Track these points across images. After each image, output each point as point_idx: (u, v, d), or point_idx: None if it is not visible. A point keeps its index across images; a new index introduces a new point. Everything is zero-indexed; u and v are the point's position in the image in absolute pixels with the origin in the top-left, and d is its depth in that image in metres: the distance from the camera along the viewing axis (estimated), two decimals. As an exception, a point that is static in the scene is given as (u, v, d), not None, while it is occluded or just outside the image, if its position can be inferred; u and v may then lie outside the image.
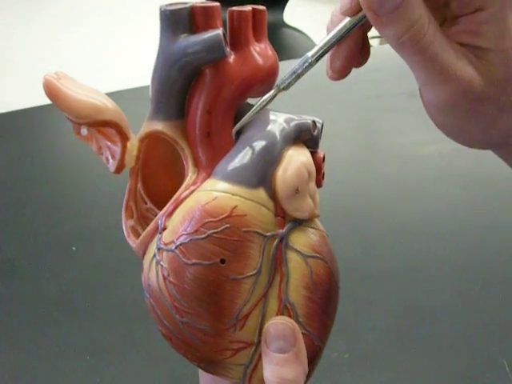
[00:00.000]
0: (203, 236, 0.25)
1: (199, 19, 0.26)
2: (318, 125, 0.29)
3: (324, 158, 0.30)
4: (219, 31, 0.26)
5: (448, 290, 0.56)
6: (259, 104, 0.28)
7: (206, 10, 0.26)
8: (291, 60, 1.15)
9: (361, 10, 0.26)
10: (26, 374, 0.48)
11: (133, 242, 0.29)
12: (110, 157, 0.29)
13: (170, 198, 0.28)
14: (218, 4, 0.26)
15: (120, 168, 0.29)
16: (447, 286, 0.56)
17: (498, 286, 0.56)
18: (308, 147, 0.29)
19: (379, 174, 0.74)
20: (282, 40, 1.66)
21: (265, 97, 0.28)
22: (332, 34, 0.27)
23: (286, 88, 0.28)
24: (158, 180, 0.30)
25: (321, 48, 0.27)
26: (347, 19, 0.26)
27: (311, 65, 0.28)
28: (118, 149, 0.28)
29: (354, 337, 0.51)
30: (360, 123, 0.85)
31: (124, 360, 0.49)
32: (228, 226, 0.25)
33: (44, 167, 0.76)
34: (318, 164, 0.29)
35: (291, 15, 1.72)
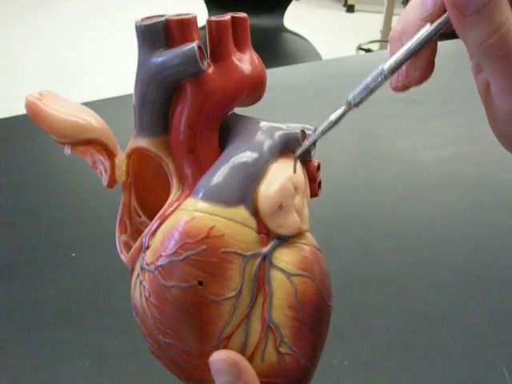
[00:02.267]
0: (181, 258, 0.25)
1: (175, 32, 0.25)
2: (309, 132, 0.27)
3: (319, 166, 0.29)
4: (194, 44, 0.25)
5: (447, 296, 0.56)
6: (327, 124, 0.26)
7: (181, 23, 0.25)
8: (291, 65, 1.15)
9: (443, 14, 0.24)
10: (25, 381, 0.48)
11: (125, 258, 0.29)
12: (103, 171, 0.29)
13: None
14: (194, 15, 0.26)
15: (112, 183, 0.29)
16: (446, 292, 0.56)
17: (497, 292, 0.56)
18: (299, 156, 0.27)
19: (378, 179, 0.74)
20: (282, 45, 1.67)
21: (333, 115, 0.26)
22: (410, 43, 0.25)
23: (358, 104, 0.26)
24: (151, 193, 0.30)
25: (398, 59, 0.25)
26: (427, 26, 0.25)
27: (386, 78, 0.26)
28: (108, 163, 0.28)
29: (353, 344, 0.50)
30: (358, 129, 0.85)
31: (124, 366, 0.48)
32: (205, 247, 0.25)
33: (44, 173, 0.76)
34: (312, 173, 0.28)
35: (291, 20, 1.72)
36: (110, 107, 0.84)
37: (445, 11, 0.24)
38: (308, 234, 0.28)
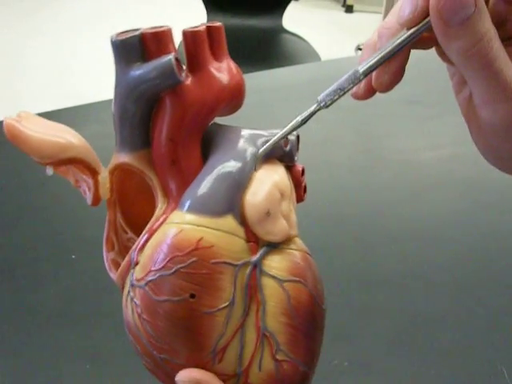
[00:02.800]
0: (171, 271, 0.25)
1: (151, 46, 0.25)
2: (292, 137, 0.27)
3: (303, 171, 0.28)
4: (171, 56, 0.25)
5: (447, 297, 0.56)
6: (295, 122, 0.26)
7: (156, 36, 0.25)
8: (290, 66, 1.15)
9: (422, 20, 0.24)
10: (24, 382, 0.48)
11: (114, 275, 0.29)
12: (86, 189, 0.28)
13: None
14: (169, 28, 0.26)
15: (96, 201, 0.28)
16: (446, 293, 0.56)
17: (497, 292, 0.56)
18: (283, 162, 0.27)
19: (377, 179, 0.74)
20: (281, 45, 1.67)
21: (300, 116, 0.26)
22: (389, 48, 0.25)
23: (329, 105, 0.26)
24: (137, 208, 0.30)
25: (374, 63, 0.25)
26: (404, 32, 0.25)
27: (360, 80, 0.26)
28: (92, 181, 0.28)
29: (353, 344, 0.50)
30: (358, 129, 0.85)
31: (124, 369, 0.48)
32: (195, 259, 0.24)
33: (44, 173, 0.76)
34: (297, 178, 0.28)
35: (290, 20, 1.72)
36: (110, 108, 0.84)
37: (423, 19, 0.24)
38: (297, 240, 0.27)
